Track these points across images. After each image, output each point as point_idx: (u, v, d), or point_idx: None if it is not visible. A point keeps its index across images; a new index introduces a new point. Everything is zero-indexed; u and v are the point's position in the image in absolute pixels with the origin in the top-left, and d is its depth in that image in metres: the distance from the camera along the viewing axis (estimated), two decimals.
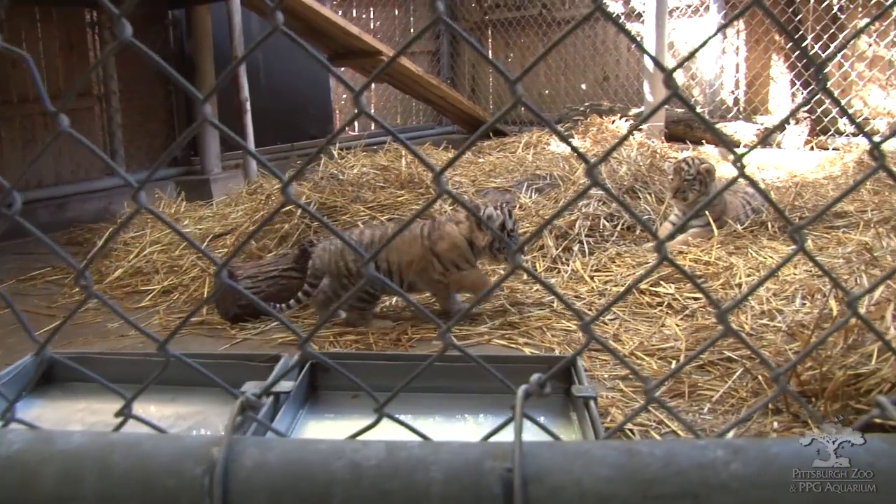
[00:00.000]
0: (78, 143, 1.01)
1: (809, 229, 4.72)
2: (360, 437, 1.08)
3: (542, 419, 2.04)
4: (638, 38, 6.90)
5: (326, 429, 2.00)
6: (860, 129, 1.11)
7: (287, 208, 4.69)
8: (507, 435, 0.95)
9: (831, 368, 2.47)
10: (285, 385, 1.91)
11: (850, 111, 7.68)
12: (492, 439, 0.95)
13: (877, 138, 0.95)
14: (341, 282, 3.66)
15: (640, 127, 7.31)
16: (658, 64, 0.96)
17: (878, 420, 0.96)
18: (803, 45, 7.84)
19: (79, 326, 3.75)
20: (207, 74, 7.17)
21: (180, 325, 1.10)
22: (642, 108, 8.21)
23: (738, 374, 2.81)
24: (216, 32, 7.20)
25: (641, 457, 0.87)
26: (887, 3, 7.04)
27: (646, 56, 7.88)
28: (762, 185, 5.69)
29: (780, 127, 7.86)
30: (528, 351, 3.18)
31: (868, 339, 2.52)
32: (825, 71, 0.95)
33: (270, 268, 4.05)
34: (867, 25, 5.96)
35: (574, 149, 0.93)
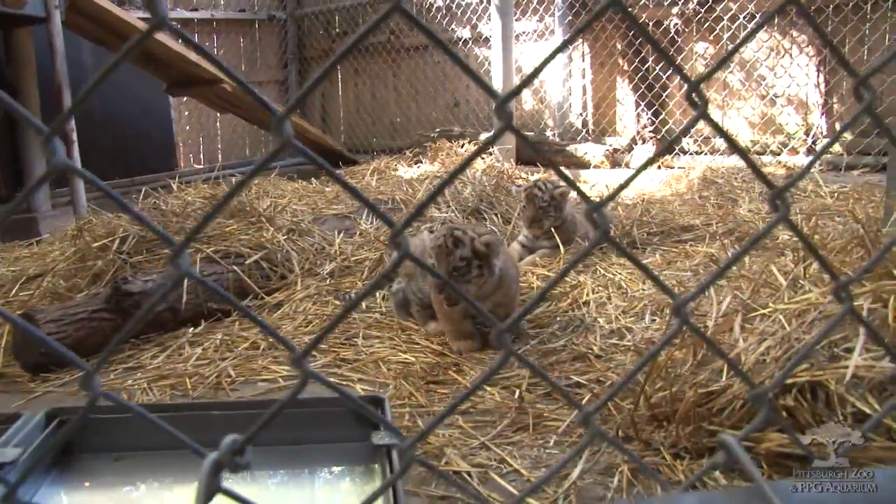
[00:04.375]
0: None
1: (658, 244, 4.65)
2: None
3: (337, 469, 1.73)
4: (486, 63, 6.74)
5: (81, 500, 1.60)
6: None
7: (101, 242, 4.24)
8: None
9: (682, 388, 2.27)
10: (10, 453, 1.49)
11: (694, 129, 7.85)
12: None
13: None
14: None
15: (491, 150, 7.19)
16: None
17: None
18: (645, 66, 7.98)
19: None
20: (32, 102, 6.47)
21: None
22: (492, 132, 8.11)
23: (585, 400, 2.58)
24: (40, 57, 6.56)
25: None
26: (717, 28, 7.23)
27: (493, 80, 7.82)
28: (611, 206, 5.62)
29: (629, 147, 7.97)
30: (359, 388, 2.85)
31: None
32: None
33: (78, 310, 3.55)
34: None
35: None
